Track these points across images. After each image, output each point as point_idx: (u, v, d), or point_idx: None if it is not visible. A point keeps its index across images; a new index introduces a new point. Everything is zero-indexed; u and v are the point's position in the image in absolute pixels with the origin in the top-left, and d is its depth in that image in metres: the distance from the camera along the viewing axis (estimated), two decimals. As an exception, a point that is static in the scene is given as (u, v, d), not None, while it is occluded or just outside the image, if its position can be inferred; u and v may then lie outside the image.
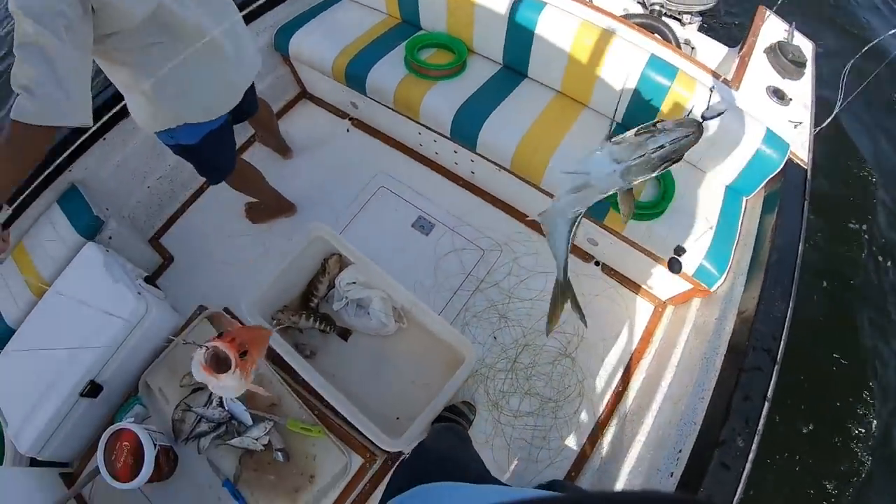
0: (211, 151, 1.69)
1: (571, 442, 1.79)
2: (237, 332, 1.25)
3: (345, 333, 1.69)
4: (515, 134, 1.90)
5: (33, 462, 1.74)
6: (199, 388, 1.67)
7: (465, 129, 1.96)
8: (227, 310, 1.72)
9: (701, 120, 0.74)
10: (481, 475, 1.03)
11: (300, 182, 2.37)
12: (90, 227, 1.95)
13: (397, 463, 1.09)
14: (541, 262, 2.03)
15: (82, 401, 1.71)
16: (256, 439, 1.56)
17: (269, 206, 2.28)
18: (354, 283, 1.67)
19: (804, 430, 2.20)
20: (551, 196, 1.90)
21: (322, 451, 1.55)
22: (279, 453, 1.54)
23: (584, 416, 1.81)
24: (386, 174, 2.36)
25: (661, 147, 0.70)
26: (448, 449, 1.26)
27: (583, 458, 1.77)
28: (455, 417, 1.74)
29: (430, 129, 2.11)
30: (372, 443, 1.57)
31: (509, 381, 1.85)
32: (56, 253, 1.94)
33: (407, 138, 2.39)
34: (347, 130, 2.55)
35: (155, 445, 1.53)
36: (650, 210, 1.76)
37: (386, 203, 2.28)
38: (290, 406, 1.61)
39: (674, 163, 0.73)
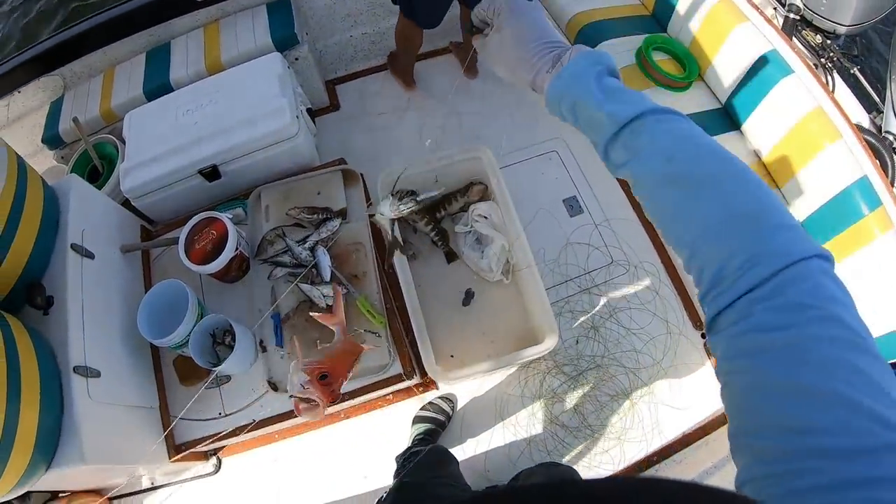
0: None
1: (581, 474, 1.72)
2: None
3: (451, 256, 1.67)
4: (701, 173, 1.81)
5: (125, 204, 1.83)
6: (300, 224, 1.71)
7: (658, 142, 1.89)
8: (362, 175, 1.74)
9: None
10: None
11: (478, 106, 2.38)
12: (284, 41, 2.02)
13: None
14: (657, 304, 1.96)
15: (197, 177, 1.78)
16: (324, 296, 1.58)
17: (400, 63, 2.39)
18: (486, 218, 1.65)
19: None
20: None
21: (372, 341, 1.55)
22: (336, 319, 1.55)
23: (608, 459, 1.74)
24: (564, 143, 2.33)
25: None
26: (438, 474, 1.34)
27: (584, 496, 1.70)
28: (436, 416, 1.78)
29: (627, 126, 2.05)
30: (418, 362, 1.56)
31: (565, 387, 1.80)
32: (244, 46, 2.02)
33: None
34: None
35: (237, 248, 1.57)
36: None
37: (550, 168, 2.27)
38: (369, 286, 1.61)
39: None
